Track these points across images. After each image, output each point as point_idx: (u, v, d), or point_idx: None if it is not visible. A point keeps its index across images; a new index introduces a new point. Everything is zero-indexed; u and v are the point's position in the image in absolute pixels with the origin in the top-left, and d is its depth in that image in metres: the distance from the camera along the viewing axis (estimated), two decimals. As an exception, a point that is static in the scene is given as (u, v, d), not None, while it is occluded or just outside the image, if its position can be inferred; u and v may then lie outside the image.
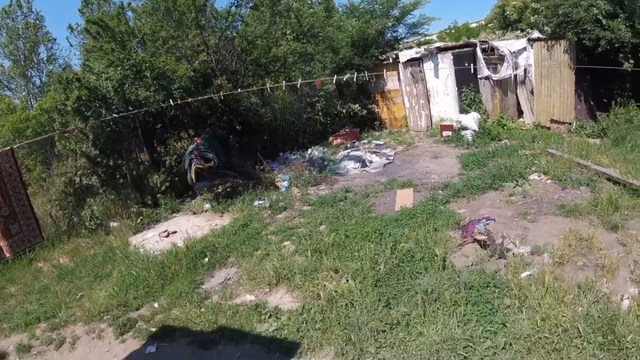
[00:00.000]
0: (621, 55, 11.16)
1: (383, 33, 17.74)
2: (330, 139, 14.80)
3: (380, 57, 16.20)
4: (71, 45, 27.91)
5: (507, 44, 13.76)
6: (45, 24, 30.97)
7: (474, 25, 22.61)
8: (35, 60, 31.26)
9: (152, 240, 9.02)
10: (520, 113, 14.14)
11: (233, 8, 13.27)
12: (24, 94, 30.80)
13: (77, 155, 11.58)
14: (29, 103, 28.35)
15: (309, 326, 5.00)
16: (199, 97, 11.61)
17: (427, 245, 6.03)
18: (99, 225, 10.75)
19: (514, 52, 13.44)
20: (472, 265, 5.56)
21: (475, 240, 6.06)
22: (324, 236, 7.05)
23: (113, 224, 10.78)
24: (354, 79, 14.52)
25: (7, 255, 9.81)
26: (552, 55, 12.61)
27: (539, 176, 8.56)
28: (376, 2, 17.70)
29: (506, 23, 18.48)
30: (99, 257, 8.71)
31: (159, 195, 11.23)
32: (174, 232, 9.16)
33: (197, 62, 12.39)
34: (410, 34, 19.36)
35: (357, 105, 16.28)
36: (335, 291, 5.36)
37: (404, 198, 8.62)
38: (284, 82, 12.86)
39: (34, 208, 10.32)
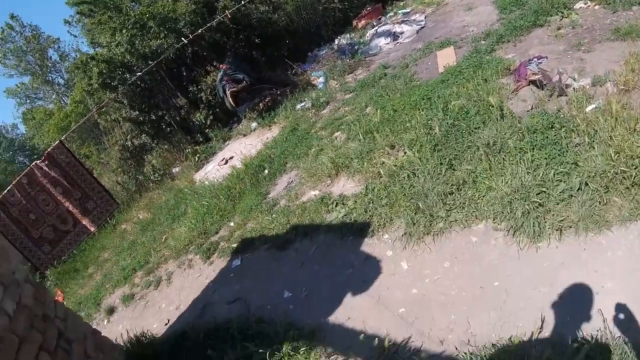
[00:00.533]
0: None
1: None
2: (354, 22, 14.03)
3: None
4: (75, 36, 28.20)
5: None
6: (43, 30, 31.77)
7: None
8: (49, 64, 32.27)
9: (213, 172, 9.35)
10: None
11: None
12: (54, 97, 32.03)
13: (120, 123, 12.14)
14: (62, 102, 29.45)
15: (376, 204, 4.98)
16: (209, 24, 11.39)
17: (479, 98, 5.68)
18: (163, 175, 11.39)
19: None
20: (531, 109, 5.18)
21: (530, 82, 5.59)
22: (372, 117, 6.89)
23: (175, 170, 11.34)
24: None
25: (92, 229, 10.74)
26: None
27: (585, 4, 7.62)
28: None
29: None
30: (171, 201, 9.24)
31: (207, 131, 11.51)
32: (231, 158, 9.41)
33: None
34: None
35: (372, -22, 15.20)
36: (395, 165, 5.28)
37: (446, 57, 8.16)
38: None
39: (101, 182, 11.21)
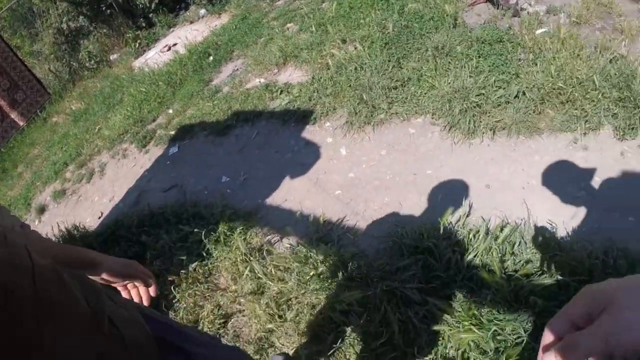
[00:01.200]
0: None
1: None
2: None
3: None
4: None
5: None
6: None
7: None
8: None
9: (154, 58, 8.76)
10: None
11: None
12: None
13: (56, 3, 10.94)
14: None
15: (321, 94, 4.88)
16: None
17: (436, 6, 5.51)
18: (100, 62, 10.50)
19: None
20: (484, 23, 5.10)
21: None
22: (327, 11, 6.55)
23: (113, 57, 10.50)
24: None
25: (21, 123, 9.83)
26: None
27: None
28: None
29: None
30: (106, 90, 8.62)
31: (151, 15, 10.55)
32: (174, 45, 8.82)
33: None
34: None
35: None
36: (344, 58, 5.13)
37: None
38: None
39: (32, 71, 10.17)
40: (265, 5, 8.49)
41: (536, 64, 4.16)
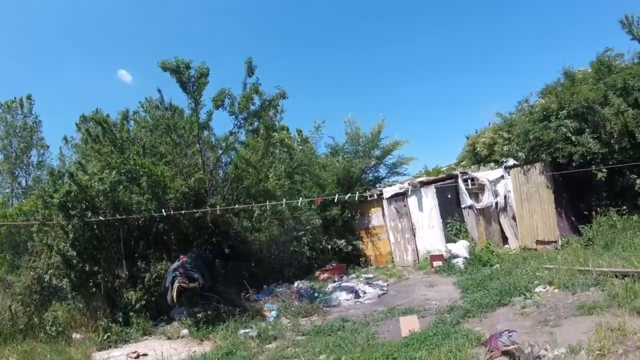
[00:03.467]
0: (593, 166, 11.89)
1: (365, 172, 18.38)
2: (317, 273, 14.24)
3: (364, 194, 16.43)
4: (62, 155, 28.29)
5: (485, 174, 14.47)
6: (41, 130, 31.55)
7: (444, 168, 23.62)
8: (25, 161, 31.21)
9: None
10: (505, 240, 14.47)
11: (231, 137, 13.49)
12: (7, 191, 30.14)
13: (52, 252, 10.74)
14: (10, 201, 27.51)
15: None
16: (194, 210, 11.25)
17: None
18: (60, 332, 9.65)
19: (493, 180, 14.16)
20: None
21: (502, 353, 5.42)
22: None
23: (76, 335, 9.62)
24: (342, 217, 14.75)
25: None
26: (529, 179, 13.42)
27: (544, 288, 8.48)
28: (359, 143, 18.62)
29: (477, 159, 19.56)
30: None
31: (131, 314, 10.17)
32: (145, 355, 8.13)
33: (192, 179, 12.19)
34: (390, 174, 20.11)
35: (342, 241, 16.18)
36: None
37: (410, 324, 7.89)
38: (284, 199, 12.66)
39: None
40: (254, 345, 8.15)
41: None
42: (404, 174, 20.36)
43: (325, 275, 13.99)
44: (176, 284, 9.46)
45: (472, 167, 18.51)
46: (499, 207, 14.29)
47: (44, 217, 11.14)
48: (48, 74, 48.43)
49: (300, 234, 15.10)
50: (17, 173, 31.15)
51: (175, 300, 9.62)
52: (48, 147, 32.75)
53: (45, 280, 10.66)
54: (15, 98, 30.85)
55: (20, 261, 12.84)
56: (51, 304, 10.48)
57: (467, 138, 22.83)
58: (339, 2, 59.80)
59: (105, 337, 9.31)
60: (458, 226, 13.98)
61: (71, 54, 51.05)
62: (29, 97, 31.39)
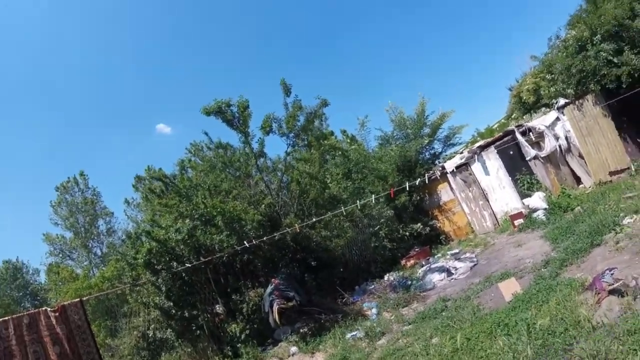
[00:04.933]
0: None
1: (422, 152, 18.38)
2: (403, 261, 14.40)
3: (430, 175, 16.44)
4: (128, 217, 29.88)
5: (540, 121, 14.14)
6: (102, 199, 33.35)
7: (496, 125, 23.16)
8: (95, 232, 33.08)
9: None
10: (578, 180, 14.03)
11: (284, 155, 13.99)
12: (85, 263, 31.97)
13: (149, 308, 11.41)
14: (91, 272, 29.24)
15: None
16: (274, 234, 11.59)
17: (564, 316, 5.36)
18: None
19: (549, 125, 13.79)
20: (621, 315, 4.88)
21: (609, 293, 5.43)
22: (442, 347, 6.29)
23: None
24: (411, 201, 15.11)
25: None
26: (585, 113, 13.00)
27: (631, 218, 8.26)
28: (407, 126, 18.64)
29: (526, 108, 19.02)
30: None
31: (238, 345, 10.56)
32: None
33: (263, 205, 12.70)
34: (446, 147, 19.94)
35: (418, 224, 16.23)
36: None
37: (510, 287, 7.92)
38: (358, 202, 12.82)
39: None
40: (365, 345, 8.35)
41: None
42: (459, 143, 20.17)
43: (412, 261, 14.13)
44: (275, 306, 9.87)
45: (523, 117, 18.12)
46: (563, 149, 13.94)
47: (132, 278, 11.72)
48: (94, 145, 51.31)
49: (376, 229, 15.31)
50: (90, 245, 33.01)
51: (278, 322, 10.00)
52: (112, 213, 34.60)
53: (150, 335, 11.27)
54: (69, 178, 32.76)
55: (117, 325, 13.72)
56: (160, 356, 11.07)
57: (510, 90, 22.26)
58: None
59: None
60: (529, 179, 13.77)
61: (108, 121, 53.88)
62: (81, 174, 33.23)
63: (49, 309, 9.74)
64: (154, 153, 55.57)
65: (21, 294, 37.41)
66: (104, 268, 24.98)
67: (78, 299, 10.46)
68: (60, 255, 33.28)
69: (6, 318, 9.44)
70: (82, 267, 31.39)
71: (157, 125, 59.39)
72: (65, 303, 10.01)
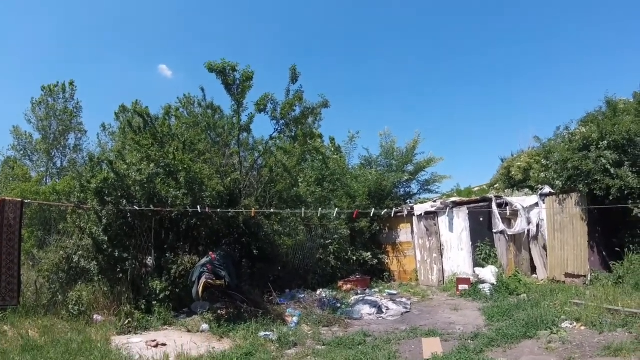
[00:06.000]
0: (630, 202, 11.52)
1: (397, 187, 18.32)
2: (340, 283, 14.25)
3: (396, 210, 16.30)
4: (99, 141, 29.25)
5: (520, 200, 14.20)
6: (81, 115, 32.58)
7: (476, 189, 23.32)
8: (62, 143, 32.26)
9: (138, 346, 8.05)
10: (533, 269, 14.18)
11: (267, 139, 13.75)
12: (42, 169, 31.14)
13: (83, 234, 11.03)
14: (44, 180, 28.47)
15: None
16: (229, 210, 11.42)
17: None
18: (82, 312, 9.89)
19: (527, 207, 13.92)
20: None
21: None
22: None
23: (97, 317, 9.80)
24: (370, 229, 15.18)
25: None
26: (564, 209, 13.00)
27: (571, 324, 8.34)
28: (393, 157, 18.57)
29: (511, 183, 19.26)
30: (73, 344, 7.71)
31: (154, 303, 10.30)
32: (164, 345, 8.19)
33: (229, 179, 12.31)
34: (422, 191, 19.95)
35: (368, 253, 16.14)
36: None
37: (432, 346, 7.82)
38: (320, 210, 12.74)
39: (20, 273, 9.50)
40: (273, 349, 8.15)
41: None
42: (436, 192, 20.20)
43: (349, 286, 14.00)
44: (203, 280, 9.55)
45: (505, 190, 18.24)
46: (530, 235, 14.04)
47: (79, 200, 11.38)
48: (90, 64, 49.95)
49: (327, 242, 15.16)
50: (53, 154, 32.18)
51: (200, 295, 9.70)
52: (86, 132, 33.71)
53: (74, 260, 10.87)
54: (58, 82, 31.98)
55: (49, 239, 13.25)
56: (76, 284, 10.68)
57: (502, 160, 22.59)
58: (386, 17, 59.71)
59: (126, 322, 9.47)
60: (488, 251, 13.76)
61: (114, 46, 52.60)
62: (71, 83, 32.44)
63: (-14, 198, 9.33)
64: (147, 90, 54.30)
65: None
66: (57, 181, 24.33)
67: (20, 199, 10.08)
68: (22, 152, 32.39)
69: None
70: (37, 172, 30.64)
71: (160, 65, 58.16)
72: (6, 198, 9.61)
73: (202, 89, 14.36)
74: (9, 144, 33.92)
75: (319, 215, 12.87)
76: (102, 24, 51.87)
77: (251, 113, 12.67)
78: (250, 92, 12.55)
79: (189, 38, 59.70)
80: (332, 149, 20.11)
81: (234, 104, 12.57)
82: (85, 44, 50.72)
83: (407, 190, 19.59)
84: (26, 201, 10.49)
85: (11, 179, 25.51)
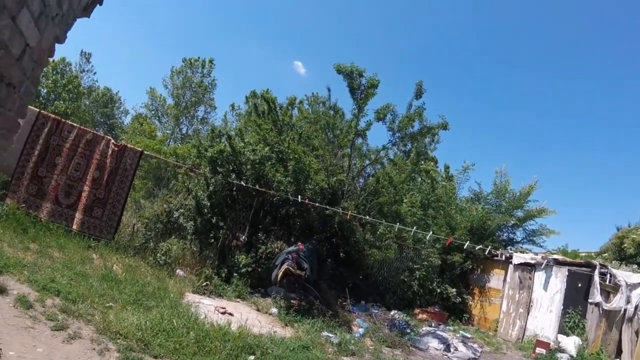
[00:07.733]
0: None
1: (501, 230, 17.61)
2: (417, 310, 14.01)
3: (493, 250, 15.73)
4: (225, 118, 31.45)
5: (625, 275, 12.86)
6: (214, 92, 35.30)
7: (583, 254, 21.57)
8: (192, 113, 35.19)
9: (207, 308, 8.52)
10: (619, 352, 12.72)
11: (382, 151, 13.95)
12: (168, 132, 33.97)
13: (190, 195, 11.99)
14: (168, 141, 31.01)
15: None
16: (327, 207, 11.76)
17: None
18: (167, 264, 10.61)
19: (630, 284, 12.48)
20: None
21: None
22: None
23: (179, 272, 10.53)
24: (462, 266, 14.98)
25: (74, 227, 10.01)
26: None
27: None
28: (504, 198, 17.84)
29: (622, 256, 17.60)
30: (149, 288, 8.27)
31: (235, 274, 10.90)
32: (231, 314, 8.65)
33: (335, 178, 12.70)
34: (526, 241, 18.72)
35: (454, 289, 15.63)
36: None
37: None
38: (414, 228, 12.70)
39: (122, 213, 10.66)
40: (330, 350, 8.23)
41: None
42: (540, 246, 18.86)
43: (424, 316, 13.74)
44: (285, 266, 9.88)
45: (613, 262, 16.75)
46: (626, 315, 12.77)
47: (193, 164, 12.35)
48: (233, 47, 53.65)
49: (415, 266, 14.98)
50: (181, 120, 35.10)
51: (278, 280, 10.06)
52: (215, 107, 36.43)
53: (174, 216, 11.77)
54: (199, 58, 34.68)
55: (158, 192, 14.58)
56: (170, 237, 11.48)
57: (618, 229, 20.78)
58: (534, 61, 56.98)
59: (204, 284, 10.00)
60: (577, 320, 12.71)
61: (258, 35, 56.04)
62: (211, 61, 35.06)
63: (113, 141, 10.62)
64: (280, 82, 57.36)
65: (102, 120, 40.04)
66: (179, 145, 26.63)
67: (140, 150, 11.30)
68: (153, 112, 35.71)
69: (75, 125, 10.43)
70: (163, 133, 33.54)
71: (295, 62, 60.91)
72: (128, 145, 10.83)
73: (329, 89, 14.84)
74: (143, 102, 37.49)
75: (412, 233, 12.82)
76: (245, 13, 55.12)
77: (370, 120, 13.00)
78: (372, 100, 12.85)
79: (331, 43, 61.93)
80: (444, 176, 19.79)
81: (354, 108, 12.96)
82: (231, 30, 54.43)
83: (511, 236, 18.54)
84: (145, 152, 11.59)
85: (138, 133, 28.24)
